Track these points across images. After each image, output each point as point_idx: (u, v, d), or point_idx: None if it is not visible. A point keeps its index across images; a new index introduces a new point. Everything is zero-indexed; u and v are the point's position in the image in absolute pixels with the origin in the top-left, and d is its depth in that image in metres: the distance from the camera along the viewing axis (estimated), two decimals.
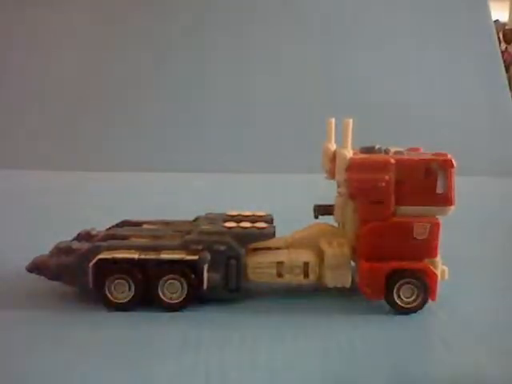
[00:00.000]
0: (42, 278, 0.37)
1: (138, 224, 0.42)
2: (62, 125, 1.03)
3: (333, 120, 0.41)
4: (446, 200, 0.36)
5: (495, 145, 1.06)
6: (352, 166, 0.36)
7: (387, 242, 0.36)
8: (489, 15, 1.22)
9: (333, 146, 0.40)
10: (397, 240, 0.36)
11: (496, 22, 1.73)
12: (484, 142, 1.07)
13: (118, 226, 0.42)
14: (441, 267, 0.38)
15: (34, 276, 0.38)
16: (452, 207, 0.36)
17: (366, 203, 0.36)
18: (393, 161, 0.36)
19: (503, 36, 2.15)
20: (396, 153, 0.38)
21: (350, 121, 0.38)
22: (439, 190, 0.36)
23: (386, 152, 0.38)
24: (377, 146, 0.38)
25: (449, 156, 0.36)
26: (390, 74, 1.11)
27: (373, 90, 1.07)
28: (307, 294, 0.39)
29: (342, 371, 0.30)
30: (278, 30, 1.12)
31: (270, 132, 1.02)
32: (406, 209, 0.36)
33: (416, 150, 0.39)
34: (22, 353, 0.31)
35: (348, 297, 0.38)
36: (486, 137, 1.07)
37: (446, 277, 0.39)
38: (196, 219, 0.42)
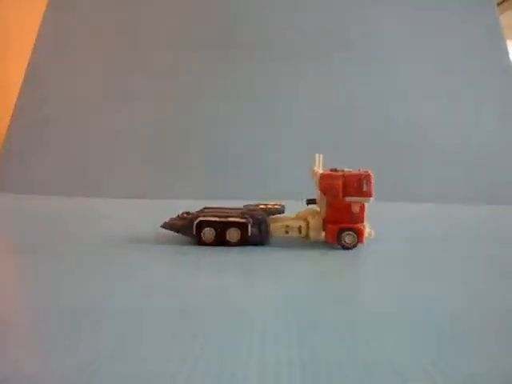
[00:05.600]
0: (171, 232, 0.76)
1: (214, 208, 0.80)
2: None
3: (317, 155, 0.78)
4: (368, 194, 0.73)
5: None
6: (322, 177, 0.73)
7: (339, 214, 0.73)
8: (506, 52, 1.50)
9: (317, 168, 0.77)
10: (344, 213, 0.73)
11: None
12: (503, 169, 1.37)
13: (201, 209, 0.80)
14: (369, 230, 0.74)
15: (166, 231, 0.76)
16: (371, 198, 0.73)
17: (330, 196, 0.73)
18: (341, 174, 0.73)
19: None
20: (346, 171, 0.75)
21: (321, 155, 0.76)
22: (364, 189, 0.73)
23: (342, 170, 0.75)
24: (338, 167, 0.76)
25: (370, 172, 0.73)
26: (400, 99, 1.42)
27: (387, 117, 1.39)
28: (301, 243, 0.76)
29: (316, 289, 0.66)
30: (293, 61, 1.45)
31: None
32: (348, 198, 0.73)
33: (363, 170, 0.76)
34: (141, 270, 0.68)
35: (321, 244, 0.75)
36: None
37: (373, 235, 0.75)
38: (244, 206, 0.80)
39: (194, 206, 0.84)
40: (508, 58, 1.53)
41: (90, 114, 1.51)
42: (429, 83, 1.49)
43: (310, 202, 0.78)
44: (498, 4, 2.50)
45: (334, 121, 1.45)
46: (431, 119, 1.46)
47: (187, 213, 0.79)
